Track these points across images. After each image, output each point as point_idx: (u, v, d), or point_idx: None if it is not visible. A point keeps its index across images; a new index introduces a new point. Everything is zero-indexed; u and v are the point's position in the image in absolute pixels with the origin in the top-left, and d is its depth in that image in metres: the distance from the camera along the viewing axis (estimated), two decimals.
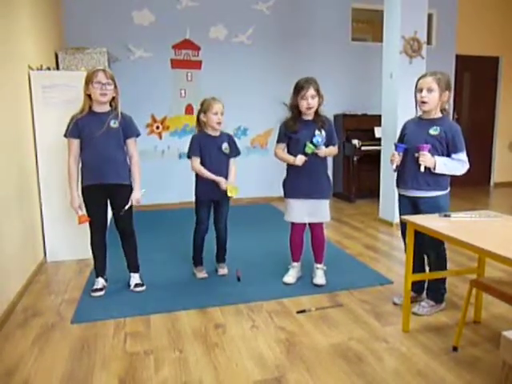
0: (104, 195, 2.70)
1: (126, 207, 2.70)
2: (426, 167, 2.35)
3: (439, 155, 2.37)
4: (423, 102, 2.38)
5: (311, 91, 2.65)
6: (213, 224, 3.07)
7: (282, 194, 2.92)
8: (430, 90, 2.35)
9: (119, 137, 2.66)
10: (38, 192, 3.36)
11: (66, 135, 2.63)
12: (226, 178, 2.95)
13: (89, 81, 2.55)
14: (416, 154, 2.37)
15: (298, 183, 2.80)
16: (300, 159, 2.71)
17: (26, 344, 2.20)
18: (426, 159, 2.33)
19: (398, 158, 2.47)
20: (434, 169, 2.34)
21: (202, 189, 2.93)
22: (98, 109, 2.62)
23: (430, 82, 2.36)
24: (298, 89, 2.68)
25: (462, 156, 2.37)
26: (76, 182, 2.65)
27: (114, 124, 2.62)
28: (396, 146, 2.48)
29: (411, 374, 1.92)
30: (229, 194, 2.84)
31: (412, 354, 2.07)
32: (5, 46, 2.76)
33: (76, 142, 2.61)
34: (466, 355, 2.06)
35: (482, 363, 1.99)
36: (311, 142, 2.67)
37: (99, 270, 2.84)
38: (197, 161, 2.90)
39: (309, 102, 2.66)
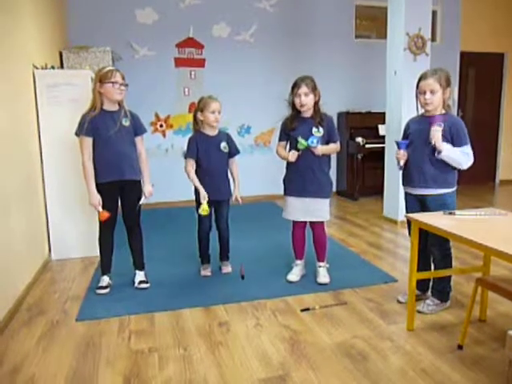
0: (118, 191, 2.74)
1: (141, 201, 2.78)
2: (434, 149, 2.31)
3: None
4: (427, 104, 2.37)
5: (303, 89, 2.65)
6: (214, 223, 3.07)
7: None
8: (432, 92, 2.35)
9: (131, 134, 2.74)
10: (43, 190, 3.38)
11: (78, 134, 2.65)
12: (226, 177, 2.96)
13: (104, 79, 2.58)
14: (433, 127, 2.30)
15: (294, 180, 2.80)
16: (292, 155, 2.72)
17: (31, 342, 2.21)
18: (435, 133, 2.28)
19: (403, 155, 2.46)
20: (440, 152, 2.29)
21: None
22: (109, 107, 2.66)
23: (432, 84, 2.34)
24: (293, 87, 2.70)
25: (467, 149, 2.35)
26: (93, 179, 2.66)
27: (125, 122, 2.69)
28: (398, 144, 2.47)
29: (416, 372, 1.91)
30: (199, 211, 2.86)
31: (417, 353, 2.07)
32: (9, 45, 2.77)
33: (90, 141, 2.63)
34: (471, 354, 2.05)
35: (487, 362, 1.98)
36: (305, 139, 2.65)
37: (105, 267, 2.86)
38: (190, 163, 2.91)
39: (301, 100, 2.66)
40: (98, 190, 2.67)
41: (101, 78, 2.59)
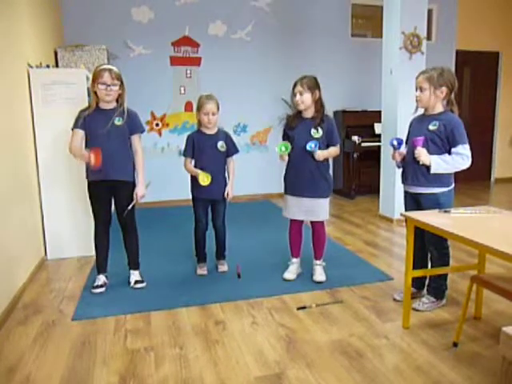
0: (108, 191, 2.72)
1: (130, 206, 2.72)
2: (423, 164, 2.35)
3: (440, 149, 2.35)
4: (416, 101, 2.44)
5: (298, 87, 2.67)
6: (211, 222, 3.07)
7: (281, 190, 2.94)
8: (421, 89, 2.38)
9: (124, 134, 2.68)
10: (39, 189, 3.36)
11: (72, 128, 2.64)
12: (223, 176, 2.97)
13: (95, 79, 2.55)
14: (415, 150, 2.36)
15: (293, 181, 2.81)
16: (281, 158, 2.76)
17: (27, 341, 2.21)
18: (420, 154, 2.32)
19: (397, 154, 2.49)
20: (430, 168, 2.33)
21: (198, 188, 2.92)
22: (104, 106, 2.64)
23: (420, 82, 2.39)
24: (293, 86, 2.72)
25: (462, 149, 2.31)
26: (82, 148, 2.59)
27: (118, 121, 2.63)
28: (394, 146, 2.49)
29: (411, 369, 1.92)
30: (201, 183, 2.79)
31: (412, 350, 2.08)
32: (4, 44, 2.76)
33: (80, 133, 2.61)
34: (466, 351, 2.06)
35: (482, 359, 1.99)
36: (291, 142, 2.68)
37: (101, 266, 2.85)
38: (187, 161, 2.92)
39: (296, 99, 2.68)
40: (88, 188, 2.69)
41: (93, 77, 2.57)
